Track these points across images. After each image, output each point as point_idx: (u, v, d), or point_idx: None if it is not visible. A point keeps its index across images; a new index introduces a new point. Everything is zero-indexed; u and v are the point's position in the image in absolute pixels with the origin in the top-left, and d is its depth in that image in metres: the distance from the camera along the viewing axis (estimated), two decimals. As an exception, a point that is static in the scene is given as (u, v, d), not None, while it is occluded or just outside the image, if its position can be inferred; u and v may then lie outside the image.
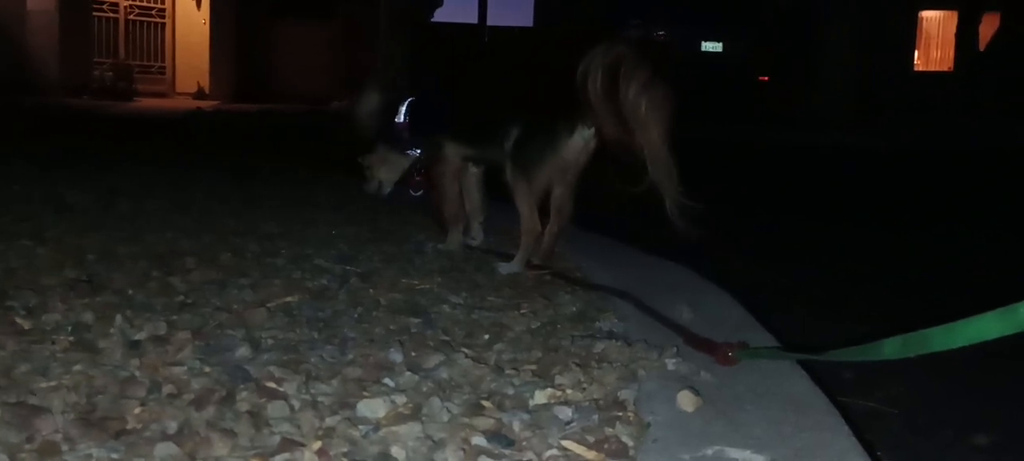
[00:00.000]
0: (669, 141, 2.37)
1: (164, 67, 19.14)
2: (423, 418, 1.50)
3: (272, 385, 1.62)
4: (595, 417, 1.54)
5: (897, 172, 8.85)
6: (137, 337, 1.86)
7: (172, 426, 1.43)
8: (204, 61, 18.98)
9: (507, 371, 1.78)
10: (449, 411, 1.54)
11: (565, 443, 1.44)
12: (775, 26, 17.31)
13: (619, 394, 1.66)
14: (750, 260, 3.91)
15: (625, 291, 2.43)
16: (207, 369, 1.68)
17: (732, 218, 5.32)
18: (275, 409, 1.50)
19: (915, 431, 2.01)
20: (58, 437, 1.36)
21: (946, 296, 3.39)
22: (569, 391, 1.67)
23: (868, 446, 1.48)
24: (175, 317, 2.03)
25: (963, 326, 1.28)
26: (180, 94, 18.69)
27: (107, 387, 1.57)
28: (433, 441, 1.42)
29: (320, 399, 1.58)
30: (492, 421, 1.51)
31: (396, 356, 1.82)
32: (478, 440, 1.43)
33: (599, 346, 1.94)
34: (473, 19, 21.36)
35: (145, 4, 18.76)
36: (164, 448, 1.33)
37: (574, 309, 2.35)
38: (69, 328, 1.91)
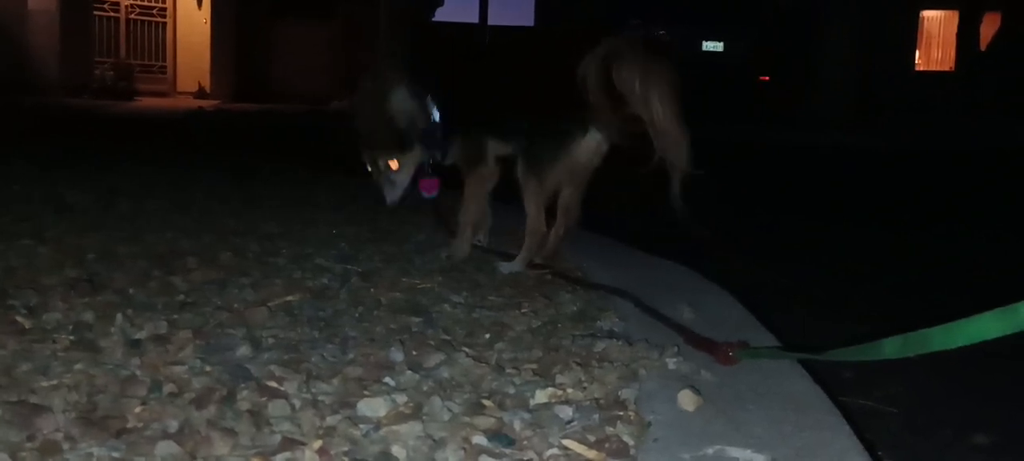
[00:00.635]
0: (676, 112, 2.41)
1: (165, 67, 19.14)
2: (424, 417, 1.51)
3: (273, 384, 1.62)
4: (596, 416, 1.54)
5: (897, 172, 8.85)
6: (138, 336, 1.87)
7: (173, 425, 1.43)
8: (205, 61, 18.99)
9: (508, 370, 1.78)
10: (450, 410, 1.54)
11: (566, 442, 1.44)
12: (775, 26, 17.31)
13: (620, 393, 1.66)
14: (750, 260, 3.91)
15: (625, 291, 2.43)
16: (208, 368, 1.69)
17: (732, 218, 5.33)
18: (276, 408, 1.50)
19: (915, 430, 2.01)
20: (59, 436, 1.36)
21: (946, 296, 3.39)
22: (570, 390, 1.67)
23: (868, 445, 1.49)
24: (176, 316, 2.03)
25: (963, 326, 1.28)
26: (181, 94, 18.70)
27: (108, 386, 1.58)
28: (434, 440, 1.42)
29: (321, 398, 1.58)
30: (493, 420, 1.51)
31: (397, 355, 1.82)
32: (479, 439, 1.43)
33: (600, 345, 1.94)
34: (474, 19, 21.36)
35: (146, 4, 18.76)
36: (165, 447, 1.33)
37: (575, 308, 2.35)
38: (70, 327, 1.91)
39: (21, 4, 16.61)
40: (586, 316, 2.28)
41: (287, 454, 1.34)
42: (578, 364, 1.82)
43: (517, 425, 1.50)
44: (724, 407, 1.59)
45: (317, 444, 1.37)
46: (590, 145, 2.71)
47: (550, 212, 2.82)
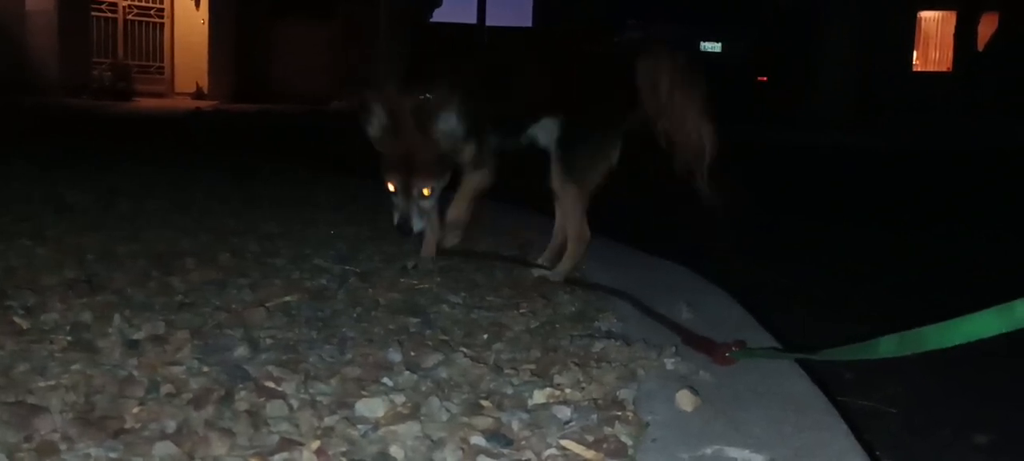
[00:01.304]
0: (703, 126, 2.57)
1: (163, 67, 19.15)
2: (422, 418, 1.50)
3: (271, 385, 1.62)
4: (594, 417, 1.54)
5: (896, 172, 8.85)
6: (136, 337, 1.86)
7: (171, 425, 1.42)
8: (203, 61, 18.99)
9: (506, 371, 1.78)
10: (448, 411, 1.54)
11: (564, 442, 1.44)
12: (774, 26, 17.32)
13: (618, 394, 1.66)
14: (750, 260, 3.91)
15: (624, 291, 2.43)
16: (206, 369, 1.68)
17: (732, 218, 5.32)
18: (274, 408, 1.50)
19: (914, 431, 2.01)
20: (56, 436, 1.36)
21: (946, 296, 3.39)
22: (568, 391, 1.67)
23: (867, 446, 1.48)
24: (174, 317, 2.03)
25: (959, 324, 1.28)
26: (179, 94, 18.70)
27: (106, 386, 1.57)
28: (432, 440, 1.42)
29: (319, 399, 1.58)
30: (491, 420, 1.51)
31: (395, 356, 1.82)
32: (477, 439, 1.43)
33: (598, 346, 1.94)
34: (472, 19, 21.35)
35: (144, 4, 18.77)
36: (163, 447, 1.33)
37: (573, 309, 2.35)
38: (68, 328, 1.90)
39: (19, 5, 16.62)
40: (584, 316, 2.28)
41: (285, 454, 1.34)
42: (576, 364, 1.82)
43: (515, 425, 1.50)
44: (722, 407, 1.59)
45: (315, 444, 1.37)
46: (619, 145, 2.68)
47: (549, 212, 2.82)
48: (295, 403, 1.54)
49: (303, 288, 2.38)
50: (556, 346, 1.98)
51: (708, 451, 1.40)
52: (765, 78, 16.95)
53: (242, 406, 1.51)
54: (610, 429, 1.49)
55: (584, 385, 1.70)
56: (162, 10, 19.00)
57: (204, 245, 2.90)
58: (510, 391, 1.66)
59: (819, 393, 1.70)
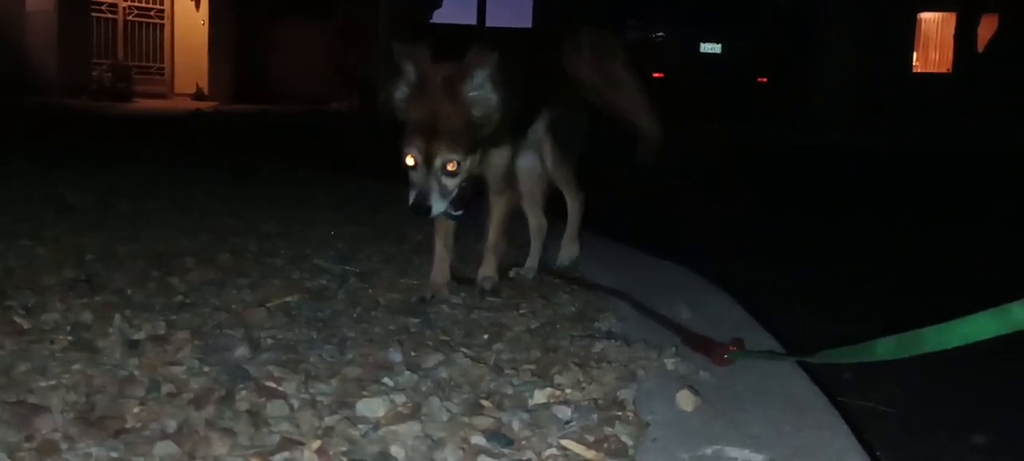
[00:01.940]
0: (628, 74, 2.74)
1: (163, 68, 19.15)
2: (422, 417, 1.50)
3: (271, 384, 1.62)
4: (594, 417, 1.54)
5: (897, 172, 8.85)
6: (136, 337, 1.86)
7: (171, 425, 1.42)
8: (203, 62, 18.99)
9: (506, 371, 1.78)
10: (448, 410, 1.54)
11: (564, 442, 1.44)
12: (774, 27, 17.32)
13: (618, 394, 1.66)
14: (750, 260, 3.92)
15: (623, 292, 2.43)
16: (206, 369, 1.68)
17: (732, 218, 5.33)
18: (274, 408, 1.50)
19: (912, 431, 2.01)
20: (57, 436, 1.36)
21: (946, 296, 3.39)
22: (568, 391, 1.67)
23: (866, 445, 1.48)
24: (174, 317, 2.03)
25: (956, 326, 1.27)
26: (179, 95, 18.70)
27: (106, 386, 1.57)
28: (432, 440, 1.42)
29: (319, 399, 1.58)
30: (491, 420, 1.51)
31: (395, 356, 1.82)
32: (477, 439, 1.43)
33: (598, 346, 1.94)
34: (472, 20, 21.36)
35: (144, 5, 18.77)
36: (163, 447, 1.33)
37: (573, 309, 2.35)
38: (68, 328, 1.91)
39: (19, 5, 16.62)
40: (584, 317, 2.28)
41: (286, 454, 1.34)
42: (576, 364, 1.82)
43: (516, 425, 1.50)
44: (722, 407, 1.59)
45: (316, 444, 1.37)
46: None
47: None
48: (296, 403, 1.54)
49: (303, 288, 2.38)
50: (556, 346, 1.98)
51: (708, 451, 1.40)
52: (765, 79, 16.95)
53: (243, 406, 1.51)
54: (610, 429, 1.49)
55: (584, 385, 1.70)
56: (162, 11, 19.00)
57: (204, 245, 2.90)
58: (510, 391, 1.67)
59: (819, 393, 1.70)
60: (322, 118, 14.25)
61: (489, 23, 21.02)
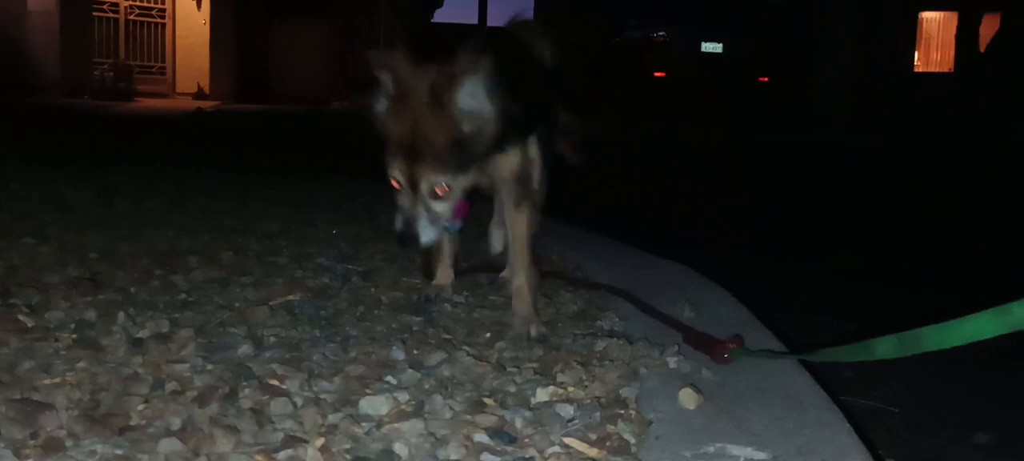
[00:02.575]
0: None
1: (164, 67, 19.15)
2: (425, 415, 1.51)
3: (275, 382, 1.62)
4: (597, 415, 1.55)
5: (898, 170, 8.85)
6: (140, 335, 1.87)
7: (176, 422, 1.43)
8: (204, 61, 19.00)
9: (509, 369, 1.79)
10: (451, 408, 1.54)
11: (567, 440, 1.44)
12: (776, 26, 17.32)
13: (621, 392, 1.67)
14: (752, 258, 3.92)
15: (625, 290, 2.43)
16: (210, 366, 1.69)
17: (734, 216, 5.34)
18: (278, 406, 1.50)
19: (915, 429, 2.02)
20: (62, 433, 1.37)
21: (949, 293, 3.39)
22: (571, 389, 1.68)
23: (869, 444, 1.49)
24: (177, 315, 2.04)
25: (957, 326, 1.28)
26: (180, 94, 18.70)
27: (110, 384, 1.58)
28: (435, 438, 1.43)
29: (323, 396, 1.58)
30: (494, 418, 1.51)
31: (398, 354, 1.82)
32: (480, 437, 1.44)
33: (600, 344, 1.94)
34: (473, 19, 21.38)
35: (145, 4, 18.77)
36: (168, 444, 1.34)
37: (575, 308, 2.35)
38: (72, 325, 1.91)
39: (21, 4, 16.63)
40: (586, 315, 2.28)
41: (290, 451, 1.35)
42: (579, 363, 1.82)
43: (519, 423, 1.50)
44: (725, 405, 1.59)
45: (319, 442, 1.38)
46: None
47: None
48: (299, 401, 1.55)
49: (306, 287, 2.39)
50: (559, 345, 1.98)
51: (711, 448, 1.41)
52: (767, 78, 16.95)
53: (246, 403, 1.52)
54: (613, 427, 1.50)
55: (587, 383, 1.71)
56: (163, 10, 19.01)
57: (206, 244, 2.90)
58: (513, 389, 1.67)
59: (821, 391, 1.70)
60: (323, 118, 14.24)
61: (491, 23, 21.04)
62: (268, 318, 2.05)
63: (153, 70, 18.93)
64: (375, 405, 1.53)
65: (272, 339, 1.90)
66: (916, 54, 21.42)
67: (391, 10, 16.65)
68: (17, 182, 4.16)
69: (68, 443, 1.34)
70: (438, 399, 1.56)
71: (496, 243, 2.70)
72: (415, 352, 1.85)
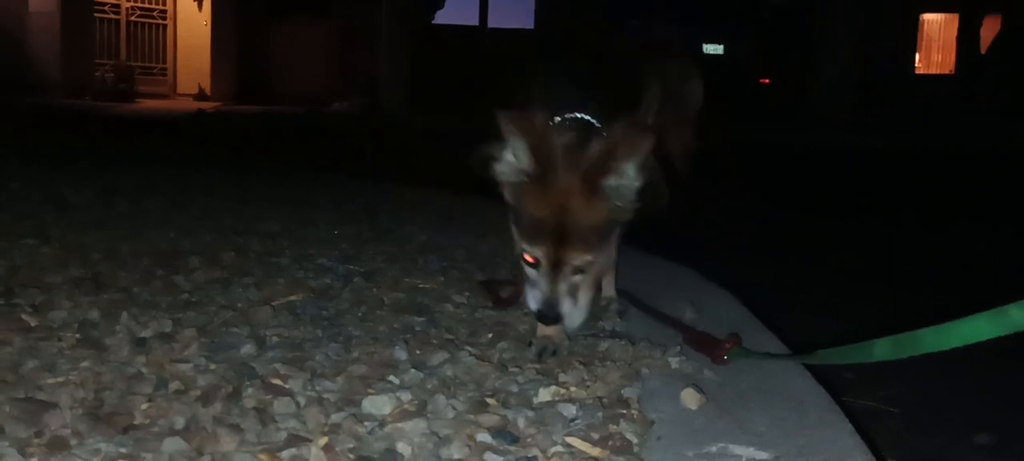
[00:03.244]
0: None
1: (165, 68, 19.16)
2: (428, 415, 1.51)
3: (278, 382, 1.63)
4: (599, 415, 1.55)
5: (898, 171, 8.86)
6: (143, 334, 1.87)
7: (179, 421, 1.43)
8: (205, 62, 19.00)
9: (511, 369, 1.79)
10: (454, 408, 1.55)
11: (570, 440, 1.45)
12: (777, 28, 17.33)
13: (623, 392, 1.67)
14: (752, 258, 3.92)
15: (627, 290, 2.44)
16: (213, 366, 1.69)
17: (735, 216, 5.34)
18: (281, 405, 1.51)
19: (916, 430, 2.02)
20: (66, 432, 1.37)
21: (949, 294, 3.39)
22: (573, 389, 1.68)
23: (870, 444, 1.49)
24: (180, 315, 2.04)
25: (954, 327, 1.28)
26: (181, 96, 18.71)
27: (114, 383, 1.58)
28: (438, 437, 1.43)
29: (326, 396, 1.59)
30: (497, 418, 1.52)
31: (401, 354, 1.83)
32: (483, 437, 1.44)
33: (602, 345, 1.95)
34: (474, 20, 21.35)
35: (146, 5, 18.78)
36: (172, 443, 1.34)
37: (577, 308, 2.35)
38: (75, 325, 1.92)
39: (22, 5, 16.64)
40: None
41: (293, 450, 1.35)
42: (581, 363, 1.83)
43: (521, 423, 1.51)
44: (727, 405, 1.60)
45: (323, 441, 1.38)
46: None
47: None
48: (302, 400, 1.55)
49: (308, 287, 2.39)
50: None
51: (713, 448, 1.41)
52: (768, 80, 16.95)
53: (250, 403, 1.52)
54: (615, 427, 1.50)
55: (589, 383, 1.71)
56: (165, 11, 19.02)
57: (208, 244, 2.91)
58: (515, 389, 1.67)
59: (822, 391, 1.71)
60: (324, 118, 14.26)
61: (491, 24, 21.01)
62: (271, 318, 2.06)
63: (154, 71, 18.94)
64: (378, 405, 1.53)
65: (275, 339, 1.90)
66: (917, 56, 21.41)
67: (391, 11, 16.62)
68: (17, 182, 4.17)
69: (73, 442, 1.34)
70: (441, 399, 1.56)
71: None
72: (418, 352, 1.86)
